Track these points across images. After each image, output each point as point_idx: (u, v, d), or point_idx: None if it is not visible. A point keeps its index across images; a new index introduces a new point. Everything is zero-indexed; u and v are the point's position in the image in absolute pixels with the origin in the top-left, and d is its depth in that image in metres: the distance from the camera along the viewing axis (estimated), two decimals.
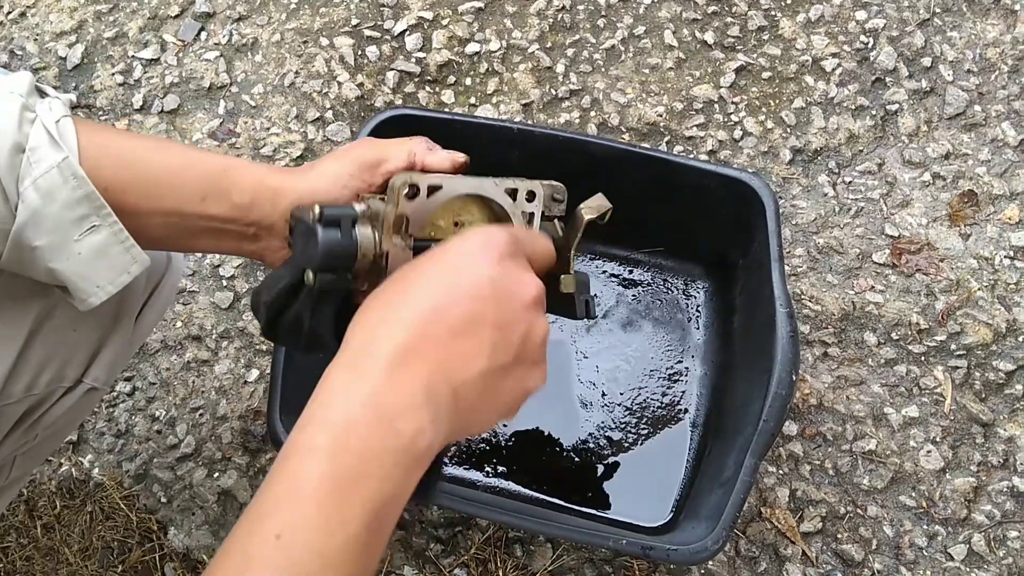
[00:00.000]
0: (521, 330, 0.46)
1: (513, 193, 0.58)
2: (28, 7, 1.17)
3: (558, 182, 0.64)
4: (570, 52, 1.07)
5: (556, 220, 0.64)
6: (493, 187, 0.57)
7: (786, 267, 0.94)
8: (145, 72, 1.12)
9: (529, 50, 1.07)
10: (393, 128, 0.80)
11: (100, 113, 1.11)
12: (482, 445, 0.88)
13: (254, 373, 0.96)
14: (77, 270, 0.53)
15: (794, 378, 0.73)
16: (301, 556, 0.37)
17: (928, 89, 1.00)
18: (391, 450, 0.40)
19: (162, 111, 1.10)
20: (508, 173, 0.88)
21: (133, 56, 1.13)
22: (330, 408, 0.41)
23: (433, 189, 0.55)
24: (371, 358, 0.42)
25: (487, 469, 0.88)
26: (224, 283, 1.00)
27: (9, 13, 1.17)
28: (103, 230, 0.53)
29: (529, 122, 1.04)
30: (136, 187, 0.54)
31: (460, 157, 0.61)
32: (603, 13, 1.09)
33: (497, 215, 0.58)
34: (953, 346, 0.89)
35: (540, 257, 0.53)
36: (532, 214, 0.59)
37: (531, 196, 0.59)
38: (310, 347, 0.55)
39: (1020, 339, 0.89)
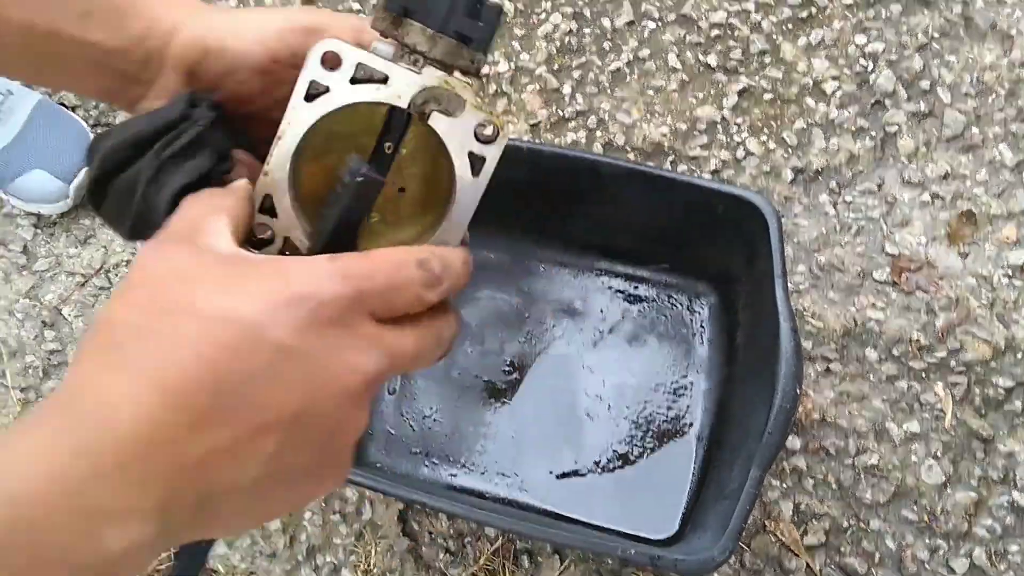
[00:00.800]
0: (327, 428, 0.33)
1: (314, 94, 0.39)
2: None
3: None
4: (576, 74, 1.10)
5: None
6: (300, 114, 0.39)
7: (788, 284, 0.96)
8: None
9: (536, 72, 1.10)
10: None
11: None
12: (490, 457, 0.90)
13: None
14: None
15: (798, 391, 0.75)
16: None
17: (927, 111, 1.03)
18: (83, 565, 0.27)
19: None
20: (516, 192, 0.91)
21: None
22: (18, 468, 0.27)
23: (268, 207, 0.40)
24: (101, 423, 0.28)
25: (495, 481, 0.89)
26: None
27: None
28: None
29: (538, 140, 1.06)
30: None
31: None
32: (609, 37, 1.11)
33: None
34: (953, 363, 0.91)
35: (405, 302, 0.35)
36: (358, 64, 0.39)
37: (330, 63, 0.39)
38: (136, 226, 0.41)
39: (1019, 356, 0.91)
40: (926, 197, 0.99)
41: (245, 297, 0.31)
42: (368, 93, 0.39)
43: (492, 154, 0.41)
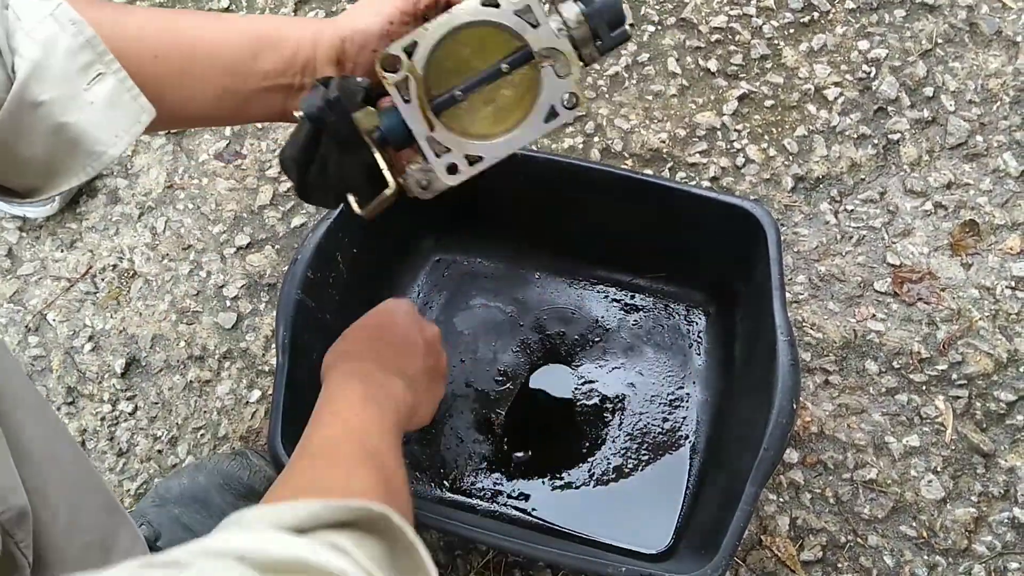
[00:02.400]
0: (436, 351, 0.74)
1: (491, 3, 0.53)
2: None
3: None
4: None
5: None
6: (468, 11, 0.53)
7: (788, 294, 0.94)
8: None
9: None
10: None
11: None
12: (482, 470, 0.88)
13: (256, 394, 0.96)
14: (93, 119, 0.50)
15: (795, 407, 0.73)
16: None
17: (930, 119, 1.01)
18: (394, 402, 0.63)
19: (168, 133, 1.11)
20: (510, 199, 0.89)
21: None
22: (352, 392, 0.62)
23: (412, 43, 0.54)
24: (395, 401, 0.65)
25: (487, 494, 0.88)
26: (227, 303, 1.00)
27: None
28: (109, 78, 0.50)
29: (533, 147, 1.04)
30: (187, 48, 0.54)
31: None
32: None
33: (515, 43, 0.55)
34: (954, 375, 0.89)
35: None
36: (528, 6, 0.53)
37: None
38: (339, 199, 0.58)
39: (1021, 369, 0.89)
40: (929, 206, 0.97)
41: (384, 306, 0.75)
42: (521, 26, 0.53)
43: (565, 116, 0.56)
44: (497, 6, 0.53)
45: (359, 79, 0.56)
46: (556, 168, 0.85)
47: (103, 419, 0.97)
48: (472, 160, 0.56)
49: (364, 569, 0.43)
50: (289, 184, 1.06)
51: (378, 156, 0.55)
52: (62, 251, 1.04)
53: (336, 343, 0.70)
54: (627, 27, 0.55)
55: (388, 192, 0.56)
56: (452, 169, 0.57)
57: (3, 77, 0.47)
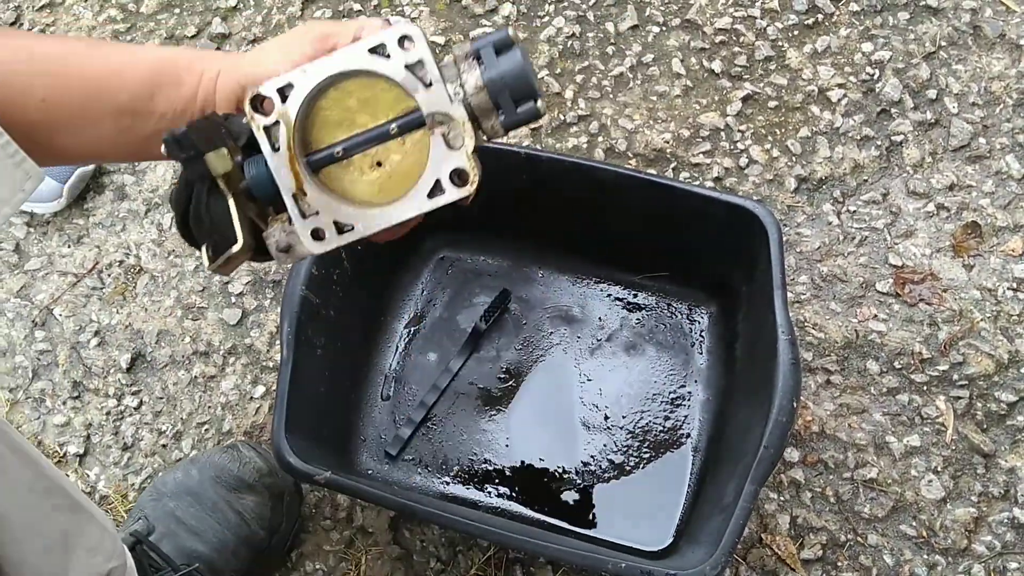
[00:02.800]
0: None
1: (379, 51, 0.47)
2: (48, 25, 1.19)
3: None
4: (579, 78, 1.08)
5: None
6: (352, 58, 0.48)
7: (790, 294, 0.94)
8: None
9: (539, 75, 1.09)
10: None
11: None
12: (484, 466, 0.89)
13: (260, 389, 0.96)
14: None
15: (795, 405, 0.73)
16: None
17: (933, 121, 1.01)
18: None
19: None
20: (514, 198, 0.90)
21: None
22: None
23: (284, 92, 0.48)
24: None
25: (488, 490, 0.88)
26: (232, 300, 1.01)
27: (30, 30, 1.19)
28: None
29: (537, 147, 1.05)
30: (79, 91, 0.50)
31: None
32: (612, 41, 1.10)
33: (406, 104, 0.49)
34: (955, 376, 0.90)
35: None
36: (420, 60, 0.47)
37: (405, 43, 0.47)
38: (219, 244, 0.50)
39: (1022, 370, 0.90)
40: (931, 208, 0.97)
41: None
42: (411, 83, 0.47)
43: (451, 195, 0.48)
44: (387, 56, 0.47)
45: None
46: (561, 167, 0.86)
47: (108, 413, 0.97)
48: (341, 228, 0.50)
49: None
50: None
51: (231, 204, 0.49)
52: (69, 247, 1.05)
53: None
54: (537, 105, 0.48)
55: (235, 249, 0.48)
56: (317, 234, 0.50)
57: None
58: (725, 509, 0.74)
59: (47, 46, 0.52)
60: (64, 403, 0.98)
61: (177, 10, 1.19)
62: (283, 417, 0.75)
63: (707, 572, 0.69)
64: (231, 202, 0.49)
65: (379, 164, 0.49)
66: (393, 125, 0.48)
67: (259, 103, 0.48)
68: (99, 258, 1.04)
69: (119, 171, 1.10)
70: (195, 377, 0.98)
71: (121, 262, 1.04)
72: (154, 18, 1.19)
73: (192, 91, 0.52)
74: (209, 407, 0.97)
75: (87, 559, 0.66)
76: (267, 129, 0.49)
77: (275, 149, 0.49)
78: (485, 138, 0.49)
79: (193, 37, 1.17)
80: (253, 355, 0.98)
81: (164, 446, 0.95)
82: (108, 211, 1.07)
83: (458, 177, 0.48)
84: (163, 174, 1.09)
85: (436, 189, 0.48)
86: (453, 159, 0.48)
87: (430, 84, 0.47)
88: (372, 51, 0.47)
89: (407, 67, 0.47)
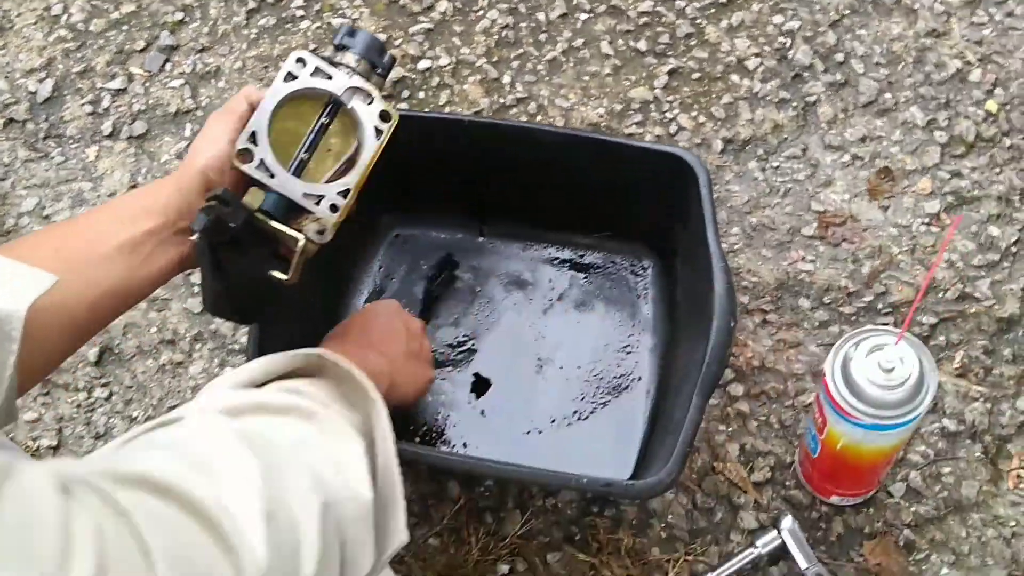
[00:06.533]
0: (419, 338, 0.83)
1: (291, 77, 0.67)
2: None
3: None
4: (515, 64, 1.15)
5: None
6: (278, 89, 0.67)
7: (724, 245, 1.01)
8: (113, 101, 1.18)
9: (477, 64, 1.16)
10: None
11: (71, 142, 1.16)
12: (449, 422, 0.93)
13: (227, 371, 1.00)
14: None
15: (732, 324, 0.79)
16: None
17: (842, 81, 1.10)
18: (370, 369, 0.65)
19: (131, 136, 1.16)
20: (459, 168, 0.95)
21: (101, 87, 1.19)
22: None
23: (252, 134, 0.65)
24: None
25: (457, 447, 0.92)
26: (195, 290, 1.05)
27: None
28: None
29: (478, 116, 1.11)
30: (81, 253, 0.61)
31: None
32: (544, 29, 1.17)
33: (327, 98, 0.68)
34: (880, 305, 0.97)
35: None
36: (316, 67, 0.67)
37: (301, 62, 0.67)
38: (247, 313, 0.74)
39: (940, 295, 0.97)
40: (847, 158, 1.05)
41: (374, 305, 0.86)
42: (320, 83, 0.67)
43: (387, 128, 0.69)
44: (295, 78, 0.67)
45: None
46: (500, 131, 0.92)
47: (79, 406, 1.00)
48: (343, 193, 0.68)
49: (315, 401, 0.54)
50: None
51: (276, 224, 0.65)
52: None
53: (323, 341, 0.77)
54: (391, 53, 0.72)
55: (300, 244, 0.65)
56: (333, 208, 0.67)
57: None
58: (676, 428, 0.79)
59: (40, 238, 0.66)
60: (35, 400, 1.00)
61: (125, 27, 1.24)
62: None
63: (663, 479, 0.74)
64: (274, 222, 0.65)
65: (329, 149, 0.69)
66: (323, 119, 0.68)
67: (242, 157, 0.65)
68: None
69: (76, 179, 1.13)
70: (163, 365, 1.01)
71: None
72: (103, 35, 1.23)
73: (163, 203, 0.64)
74: (179, 392, 1.00)
75: None
76: (258, 168, 0.65)
77: (272, 177, 0.65)
78: (377, 90, 0.69)
79: (142, 51, 1.21)
80: (219, 340, 1.02)
81: None
82: (68, 216, 1.10)
83: (385, 117, 0.69)
84: (119, 178, 1.13)
85: (376, 132, 0.69)
86: (375, 107, 0.69)
87: (331, 77, 0.67)
88: (285, 79, 0.66)
89: (311, 75, 0.67)
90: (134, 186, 1.12)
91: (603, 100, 1.12)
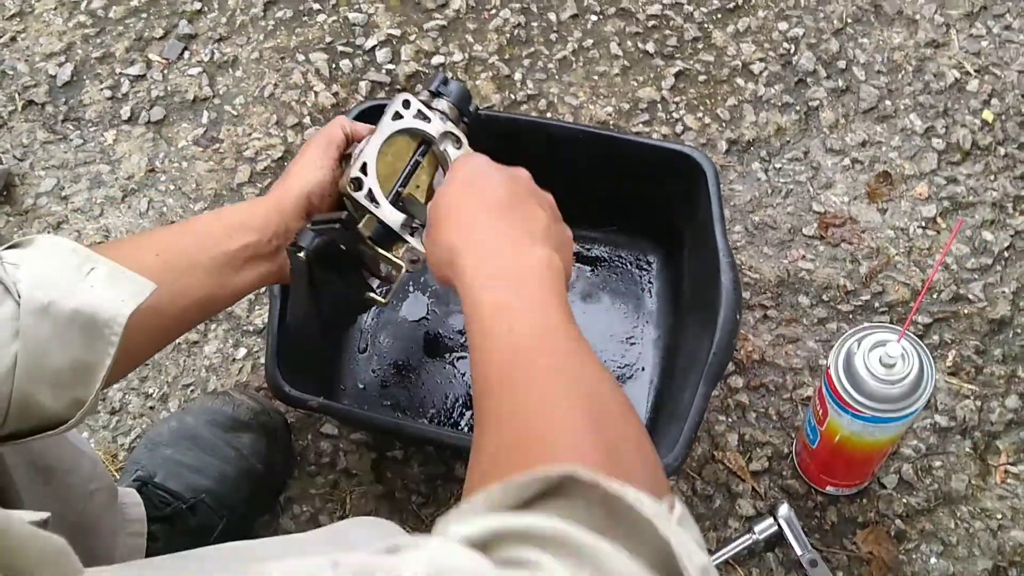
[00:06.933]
0: (537, 188, 0.65)
1: (397, 116, 0.74)
2: (18, 32, 1.25)
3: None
4: (526, 62, 1.18)
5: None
6: (386, 126, 0.73)
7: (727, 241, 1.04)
8: (132, 87, 1.20)
9: (489, 61, 1.18)
10: (370, 116, 0.90)
11: (89, 125, 1.18)
12: (458, 405, 0.96)
13: (242, 351, 1.02)
14: (100, 295, 0.55)
15: (738, 316, 0.82)
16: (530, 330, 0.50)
17: (844, 88, 1.13)
18: (551, 273, 0.54)
19: (148, 122, 1.18)
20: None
21: (120, 73, 1.21)
22: (503, 267, 0.55)
23: (363, 164, 0.71)
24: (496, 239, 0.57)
25: (463, 427, 0.95)
26: None
27: (0, 37, 1.24)
28: (101, 266, 0.56)
29: (495, 109, 1.14)
30: (180, 261, 0.65)
31: (362, 128, 0.77)
32: (555, 29, 1.20)
33: (421, 137, 0.75)
34: (877, 304, 1.00)
35: None
36: (419, 111, 0.74)
37: (407, 104, 0.74)
38: (326, 333, 0.82)
39: (934, 296, 1.01)
40: (847, 162, 1.09)
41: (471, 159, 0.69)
42: (421, 125, 0.75)
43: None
44: (401, 117, 0.73)
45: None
46: (516, 124, 0.95)
47: None
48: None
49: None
50: (263, 164, 1.13)
51: (381, 251, 0.71)
52: (49, 232, 1.10)
53: (436, 228, 0.60)
54: (476, 104, 0.80)
55: (403, 271, 0.73)
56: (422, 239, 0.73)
57: (12, 307, 0.52)
58: (681, 416, 0.82)
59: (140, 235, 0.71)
60: None
61: (144, 14, 1.26)
62: (275, 348, 0.82)
63: (671, 463, 0.77)
64: (379, 249, 0.71)
65: (418, 185, 0.75)
66: (417, 156, 0.75)
67: (354, 184, 0.70)
68: (79, 242, 1.09)
69: (95, 162, 1.15)
70: (178, 344, 1.03)
71: (100, 244, 1.09)
72: (123, 22, 1.25)
73: (263, 222, 0.68)
74: (193, 370, 1.02)
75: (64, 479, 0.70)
76: (366, 197, 0.71)
77: (377, 205, 0.71)
78: (465, 137, 0.77)
79: (161, 39, 1.24)
80: (234, 321, 1.04)
81: (152, 408, 1.00)
82: (86, 198, 1.13)
83: None
84: (137, 162, 1.15)
85: None
86: (463, 151, 0.76)
87: (429, 120, 0.75)
88: (393, 118, 0.73)
89: (415, 117, 0.74)
90: (152, 170, 1.14)
91: (611, 99, 1.15)
